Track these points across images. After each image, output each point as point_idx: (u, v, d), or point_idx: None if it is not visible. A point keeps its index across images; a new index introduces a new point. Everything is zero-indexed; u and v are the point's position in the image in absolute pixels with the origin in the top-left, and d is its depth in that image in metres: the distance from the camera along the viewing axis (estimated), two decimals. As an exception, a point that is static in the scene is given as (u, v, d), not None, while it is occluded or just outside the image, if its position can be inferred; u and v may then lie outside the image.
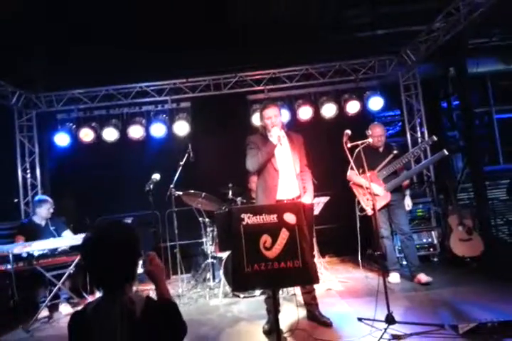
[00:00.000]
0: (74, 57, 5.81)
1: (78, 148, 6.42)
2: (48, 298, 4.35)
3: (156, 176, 4.68)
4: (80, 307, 1.55)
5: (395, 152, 4.53)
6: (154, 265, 1.65)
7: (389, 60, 6.50)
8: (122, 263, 1.51)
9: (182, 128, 6.45)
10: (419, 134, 6.51)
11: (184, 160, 5.15)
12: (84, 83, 6.44)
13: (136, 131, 6.41)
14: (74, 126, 6.45)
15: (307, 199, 3.54)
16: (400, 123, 7.74)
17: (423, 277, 4.34)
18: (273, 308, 2.92)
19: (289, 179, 3.52)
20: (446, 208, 5.58)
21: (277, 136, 3.42)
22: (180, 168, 5.11)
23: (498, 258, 4.88)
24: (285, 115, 6.50)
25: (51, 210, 4.95)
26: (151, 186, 4.58)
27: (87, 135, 6.34)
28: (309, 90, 6.66)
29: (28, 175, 6.42)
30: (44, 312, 4.44)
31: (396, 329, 3.06)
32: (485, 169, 6.39)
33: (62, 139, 6.31)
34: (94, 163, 6.46)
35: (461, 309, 3.47)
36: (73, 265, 4.35)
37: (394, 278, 4.56)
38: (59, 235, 4.90)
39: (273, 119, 3.54)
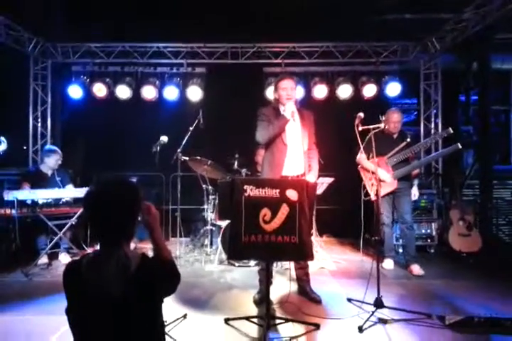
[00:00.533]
0: (93, 11, 5.71)
1: (91, 103, 6.41)
2: (49, 246, 4.49)
3: (164, 138, 4.70)
4: (77, 258, 1.60)
5: (408, 140, 4.50)
6: (150, 214, 1.66)
7: (412, 46, 6.36)
8: (121, 220, 1.54)
9: (195, 93, 6.41)
10: (432, 125, 6.46)
11: (194, 126, 5.16)
12: (101, 37, 6.35)
13: (149, 92, 6.38)
14: (88, 80, 6.41)
15: (311, 177, 3.53)
16: (415, 112, 7.67)
17: (416, 269, 4.41)
18: (265, 280, 3.01)
19: (296, 155, 3.50)
20: (449, 202, 5.61)
21: (291, 111, 3.39)
22: (189, 133, 5.12)
23: (495, 256, 4.95)
24: (300, 92, 6.43)
25: (59, 161, 5.01)
26: (158, 148, 4.61)
27: (100, 90, 6.32)
28: (327, 69, 6.55)
29: (39, 124, 6.46)
30: (44, 259, 4.60)
31: (383, 313, 3.15)
32: (494, 167, 6.38)
33: (75, 91, 6.30)
34: (106, 119, 6.45)
35: (451, 301, 3.55)
36: (75, 217, 4.45)
37: (388, 264, 4.64)
38: (63, 186, 4.98)
39: (288, 91, 3.48)
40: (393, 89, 6.23)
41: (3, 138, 4.07)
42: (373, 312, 3.12)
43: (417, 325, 3.04)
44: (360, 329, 2.93)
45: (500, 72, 7.17)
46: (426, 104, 6.53)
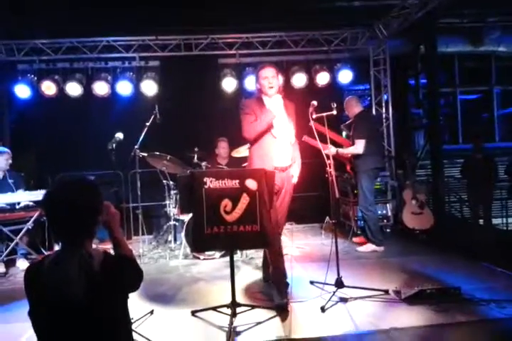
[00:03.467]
0: (36, 5, 5.48)
1: (40, 102, 6.18)
2: (5, 253, 4.35)
3: (120, 135, 4.61)
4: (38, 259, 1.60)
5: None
6: (110, 214, 1.65)
7: (361, 33, 6.51)
8: (82, 220, 1.53)
9: (149, 87, 6.29)
10: (384, 109, 6.67)
11: (150, 121, 5.10)
12: (47, 33, 6.11)
13: (101, 88, 6.21)
14: (35, 78, 6.19)
15: (295, 170, 3.53)
16: (368, 98, 7.89)
17: (362, 247, 4.74)
18: (230, 269, 3.06)
19: (284, 147, 3.42)
20: (403, 183, 5.85)
21: (277, 106, 3.34)
22: (146, 128, 5.05)
23: (446, 232, 5.22)
24: (254, 82, 6.47)
25: (9, 161, 4.82)
26: (114, 145, 4.52)
27: (49, 88, 6.10)
28: (281, 58, 6.61)
29: (-14, 127, 6.20)
30: (0, 268, 4.44)
31: (344, 292, 3.29)
32: (444, 147, 6.68)
33: (22, 91, 6.05)
34: (57, 118, 6.25)
35: (406, 276, 3.75)
36: (31, 221, 4.33)
37: (366, 247, 4.80)
38: (16, 189, 4.81)
39: (270, 80, 3.38)
40: (345, 76, 6.38)
41: None
42: (334, 293, 3.26)
43: (375, 301, 3.21)
44: (323, 310, 3.06)
45: (446, 56, 7.46)
46: (377, 90, 6.74)
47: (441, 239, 4.94)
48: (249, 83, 6.46)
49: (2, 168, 4.80)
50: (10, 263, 4.65)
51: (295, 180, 3.54)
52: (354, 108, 4.89)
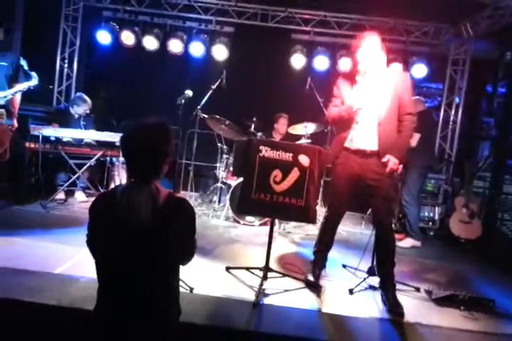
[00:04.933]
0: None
1: (118, 50, 6.46)
2: (67, 183, 4.69)
3: (189, 92, 4.73)
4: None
5: None
6: None
7: (445, 29, 6.26)
8: (154, 160, 1.67)
9: (221, 52, 6.44)
10: (453, 112, 6.46)
11: (216, 85, 5.22)
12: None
13: (175, 45, 6.41)
14: (117, 27, 6.44)
15: (392, 160, 2.95)
16: (439, 98, 7.63)
17: (403, 242, 4.67)
18: (269, 235, 3.18)
19: (367, 130, 3.02)
20: (458, 190, 5.71)
21: (355, 105, 3.00)
22: (211, 91, 5.19)
23: (492, 246, 5.06)
24: (325, 63, 6.44)
25: (88, 111, 5.17)
26: (183, 101, 4.67)
27: (128, 38, 6.36)
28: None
29: (66, 65, 6.56)
30: (61, 195, 4.82)
31: (375, 281, 3.30)
32: (509, 162, 6.40)
33: (104, 37, 6.34)
34: (131, 68, 6.53)
35: (440, 280, 3.72)
36: (94, 158, 4.62)
37: (404, 242, 4.77)
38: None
39: (366, 65, 3.00)
40: (419, 70, 6.20)
41: (34, 74, 4.17)
42: (365, 279, 3.30)
43: (405, 295, 3.20)
44: (351, 292, 3.12)
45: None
46: (450, 91, 6.50)
47: (485, 252, 4.82)
48: (319, 63, 6.44)
49: (80, 114, 5.14)
50: (69, 194, 5.03)
51: (389, 168, 2.95)
52: (416, 107, 4.77)
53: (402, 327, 2.71)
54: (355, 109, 3.02)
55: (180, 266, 1.79)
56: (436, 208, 5.75)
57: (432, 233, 5.71)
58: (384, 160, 2.96)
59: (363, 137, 3.04)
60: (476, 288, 3.57)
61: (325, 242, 3.31)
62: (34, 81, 4.16)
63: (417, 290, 3.33)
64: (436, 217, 5.73)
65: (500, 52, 6.71)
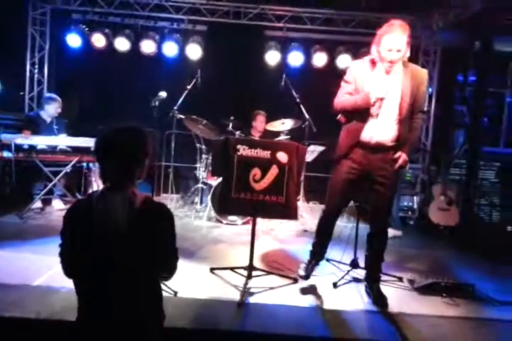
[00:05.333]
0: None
1: (89, 53, 6.36)
2: (43, 192, 4.60)
3: (163, 94, 4.68)
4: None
5: None
6: None
7: (416, 20, 6.33)
8: (128, 163, 1.64)
9: (194, 51, 6.41)
10: (426, 102, 6.55)
11: (191, 85, 5.19)
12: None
13: (148, 46, 6.36)
14: (87, 29, 6.33)
15: (401, 154, 2.86)
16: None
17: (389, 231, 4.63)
18: (251, 234, 3.18)
19: (386, 124, 2.83)
20: (434, 178, 5.81)
21: (378, 97, 2.73)
22: (187, 91, 5.16)
23: (470, 232, 5.16)
24: (299, 58, 6.46)
25: (59, 110, 5.07)
26: (157, 102, 4.61)
27: (99, 40, 6.26)
28: (328, 37, 6.54)
29: (36, 71, 6.42)
30: (38, 204, 4.74)
31: (358, 273, 3.37)
32: (483, 149, 6.53)
33: (74, 40, 6.24)
34: (103, 70, 6.43)
35: (421, 268, 3.80)
36: (70, 165, 4.54)
37: None
38: (58, 135, 5.04)
39: (393, 54, 2.72)
40: (392, 62, 6.25)
41: None
42: (348, 271, 3.35)
43: (388, 285, 3.26)
44: (335, 285, 3.16)
45: (501, 55, 7.17)
46: (422, 81, 6.58)
47: (464, 238, 4.92)
48: (293, 58, 6.46)
49: (51, 115, 5.05)
50: (46, 202, 4.94)
51: (399, 164, 2.86)
52: None
53: (387, 317, 2.74)
54: (375, 99, 2.75)
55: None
56: (415, 197, 5.85)
57: (411, 222, 5.81)
58: (396, 156, 2.86)
59: (382, 132, 2.83)
60: (457, 274, 3.65)
61: (323, 234, 3.23)
62: None
63: (400, 279, 3.39)
64: (415, 206, 5.82)
65: (470, 42, 6.82)
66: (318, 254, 3.24)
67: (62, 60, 6.63)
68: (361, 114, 2.84)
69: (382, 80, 2.77)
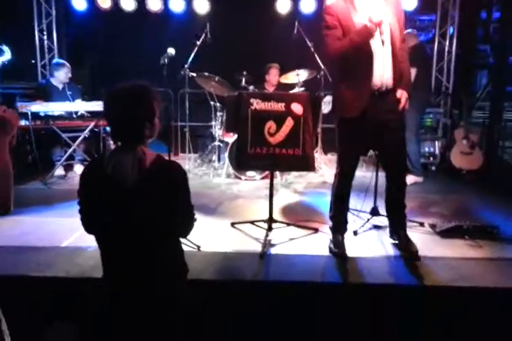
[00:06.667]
0: None
1: (96, 15, 6.24)
2: (64, 158, 4.69)
3: (171, 50, 4.54)
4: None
5: None
6: None
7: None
8: (135, 122, 1.61)
9: (202, 5, 6.18)
10: (447, 42, 6.20)
11: (201, 41, 5.05)
12: None
13: (154, 3, 6.16)
14: (91, -10, 6.16)
15: (404, 93, 2.70)
16: (433, 30, 7.30)
17: (409, 178, 4.42)
18: (270, 188, 3.19)
19: (385, 62, 2.61)
20: (457, 122, 5.61)
21: (378, 19, 2.46)
22: (196, 48, 5.03)
23: (494, 175, 5.06)
24: (311, 4, 6.15)
25: (69, 75, 5.05)
26: (166, 60, 4.51)
27: (104, 1, 6.09)
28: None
29: (45, 37, 6.36)
30: (60, 170, 4.85)
31: (379, 220, 3.37)
32: (508, 89, 6.23)
33: (79, 3, 6.12)
34: (112, 33, 6.34)
35: (445, 212, 3.76)
36: (87, 130, 4.58)
37: (407, 180, 4.72)
38: (73, 101, 5.05)
39: None
40: (410, 2, 5.89)
41: (5, 48, 4.01)
42: (369, 220, 3.35)
43: (409, 231, 3.18)
44: (355, 233, 3.17)
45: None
46: (443, 20, 6.21)
47: (487, 182, 4.83)
48: (305, 5, 6.16)
49: (62, 81, 5.03)
50: (68, 168, 5.05)
51: (403, 104, 2.71)
52: (409, 41, 4.57)
53: (408, 262, 2.74)
54: (377, 22, 2.46)
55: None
56: (437, 142, 5.70)
57: (433, 168, 5.69)
58: (398, 96, 2.66)
59: (381, 72, 2.60)
60: (480, 217, 3.59)
61: (341, 204, 2.98)
62: (7, 55, 4.03)
63: (421, 225, 3.37)
64: (437, 152, 5.68)
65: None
66: (341, 228, 2.97)
67: (70, 25, 6.55)
68: (363, 52, 2.56)
69: (371, 6, 2.50)
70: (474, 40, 7.02)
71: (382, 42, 2.56)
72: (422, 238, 3.13)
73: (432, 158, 5.69)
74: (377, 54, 2.58)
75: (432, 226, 3.32)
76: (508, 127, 6.63)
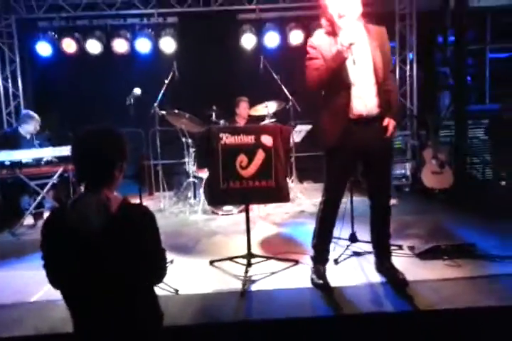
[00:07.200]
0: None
1: (61, 60, 6.28)
2: (32, 206, 4.53)
3: (137, 90, 4.56)
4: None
5: None
6: None
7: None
8: (101, 166, 1.59)
9: (168, 44, 6.31)
10: (408, 67, 6.45)
11: (169, 79, 5.10)
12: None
13: (120, 45, 6.26)
14: (56, 36, 6.22)
15: (391, 121, 2.69)
16: (393, 57, 7.60)
17: None
18: (246, 222, 3.14)
19: (366, 92, 2.61)
20: (425, 143, 5.75)
21: (348, 42, 2.46)
22: (165, 86, 5.08)
23: (466, 192, 5.17)
24: (275, 38, 6.35)
25: (37, 127, 4.99)
26: (132, 100, 4.51)
27: (69, 46, 6.16)
28: (305, 13, 6.40)
29: (10, 85, 6.33)
30: (29, 220, 4.66)
31: (358, 247, 3.36)
32: (470, 108, 6.46)
33: (44, 48, 6.15)
34: (78, 76, 6.34)
35: (421, 234, 3.78)
36: (56, 175, 4.48)
37: None
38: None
39: (342, 6, 2.53)
40: (369, 31, 6.13)
41: None
42: (348, 246, 3.33)
43: (390, 255, 3.24)
44: (336, 262, 3.13)
45: (477, 11, 7.03)
46: (402, 47, 6.49)
47: (460, 199, 4.91)
48: (269, 39, 6.36)
49: (30, 132, 4.96)
50: (38, 216, 4.86)
51: (391, 132, 2.70)
52: None
53: (390, 287, 2.72)
54: (347, 46, 2.47)
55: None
56: (407, 164, 5.83)
57: (406, 189, 5.79)
58: (385, 123, 2.66)
59: (363, 100, 2.61)
60: (456, 236, 3.64)
61: (325, 233, 2.90)
62: None
63: (400, 247, 3.37)
64: (408, 173, 5.80)
65: (444, 1, 6.68)
66: (324, 257, 2.91)
67: (35, 71, 6.54)
68: (340, 82, 2.59)
69: (348, 35, 2.50)
70: (433, 63, 7.32)
71: (353, 61, 2.54)
72: (402, 261, 3.12)
73: (404, 180, 5.79)
74: (357, 83, 2.60)
75: (411, 248, 3.33)
76: (474, 144, 6.83)
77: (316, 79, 2.64)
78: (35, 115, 5.01)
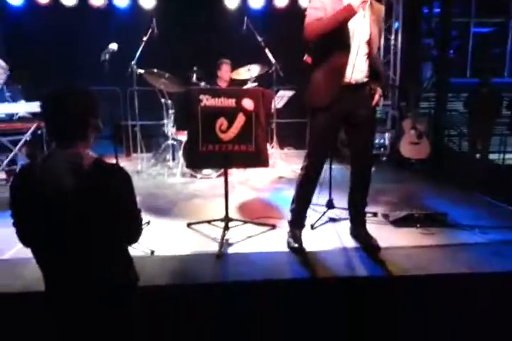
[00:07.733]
0: None
1: (34, 11, 5.90)
2: (5, 162, 4.39)
3: (113, 46, 4.31)
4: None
5: None
6: None
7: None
8: (71, 122, 1.51)
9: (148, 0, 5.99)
10: (393, 36, 6.37)
11: (147, 36, 4.88)
12: None
13: (97, -2, 5.90)
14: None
15: (378, 89, 2.76)
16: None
17: None
18: (224, 186, 3.12)
19: (360, 60, 2.63)
20: (404, 114, 5.78)
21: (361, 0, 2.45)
22: (143, 44, 4.87)
23: (441, 163, 5.30)
24: (260, 1, 6.14)
25: (3, 76, 4.70)
26: (107, 56, 4.28)
27: (41, -5, 5.77)
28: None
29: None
30: (1, 175, 4.53)
31: (334, 213, 3.42)
32: (451, 80, 6.48)
33: (14, -3, 5.74)
34: (52, 30, 6.02)
35: (396, 202, 3.87)
36: (29, 132, 4.32)
37: None
38: (15, 102, 4.74)
39: None
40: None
41: None
42: (324, 213, 3.37)
43: (364, 222, 3.31)
44: (312, 227, 3.18)
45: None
46: (388, 16, 6.35)
47: (435, 170, 5.03)
48: (254, 0, 6.12)
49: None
50: (10, 173, 4.69)
51: (376, 100, 2.77)
52: None
53: (365, 253, 2.78)
54: (360, 3, 2.43)
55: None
56: (386, 134, 5.88)
57: (384, 158, 5.87)
58: (372, 92, 2.72)
59: (359, 67, 2.62)
60: (430, 205, 3.73)
61: (304, 198, 2.92)
62: None
63: (375, 215, 3.44)
64: (387, 143, 5.86)
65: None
66: (301, 222, 2.95)
67: (7, 25, 6.15)
68: (340, 42, 2.57)
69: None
70: (419, 34, 7.25)
71: (356, 44, 2.57)
72: (376, 228, 3.19)
73: (382, 149, 5.85)
74: (352, 50, 2.59)
75: (385, 216, 3.40)
76: (453, 116, 6.92)
77: (316, 28, 2.54)
78: (1, 61, 4.73)
